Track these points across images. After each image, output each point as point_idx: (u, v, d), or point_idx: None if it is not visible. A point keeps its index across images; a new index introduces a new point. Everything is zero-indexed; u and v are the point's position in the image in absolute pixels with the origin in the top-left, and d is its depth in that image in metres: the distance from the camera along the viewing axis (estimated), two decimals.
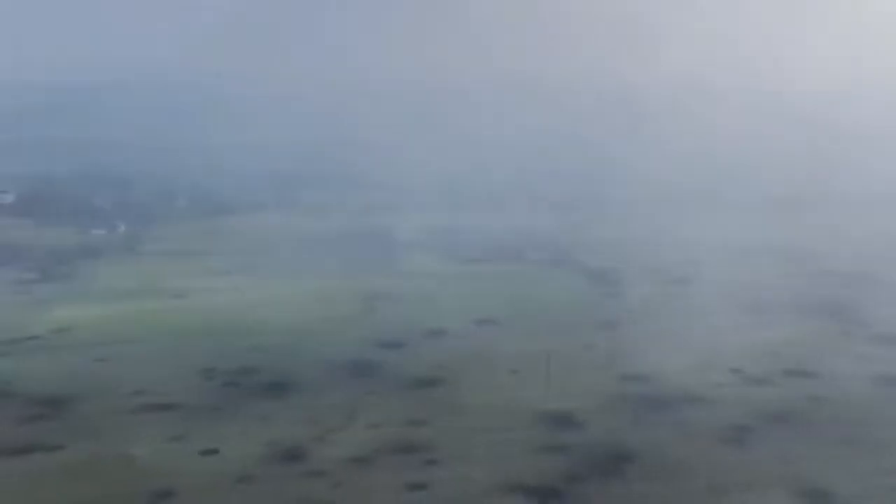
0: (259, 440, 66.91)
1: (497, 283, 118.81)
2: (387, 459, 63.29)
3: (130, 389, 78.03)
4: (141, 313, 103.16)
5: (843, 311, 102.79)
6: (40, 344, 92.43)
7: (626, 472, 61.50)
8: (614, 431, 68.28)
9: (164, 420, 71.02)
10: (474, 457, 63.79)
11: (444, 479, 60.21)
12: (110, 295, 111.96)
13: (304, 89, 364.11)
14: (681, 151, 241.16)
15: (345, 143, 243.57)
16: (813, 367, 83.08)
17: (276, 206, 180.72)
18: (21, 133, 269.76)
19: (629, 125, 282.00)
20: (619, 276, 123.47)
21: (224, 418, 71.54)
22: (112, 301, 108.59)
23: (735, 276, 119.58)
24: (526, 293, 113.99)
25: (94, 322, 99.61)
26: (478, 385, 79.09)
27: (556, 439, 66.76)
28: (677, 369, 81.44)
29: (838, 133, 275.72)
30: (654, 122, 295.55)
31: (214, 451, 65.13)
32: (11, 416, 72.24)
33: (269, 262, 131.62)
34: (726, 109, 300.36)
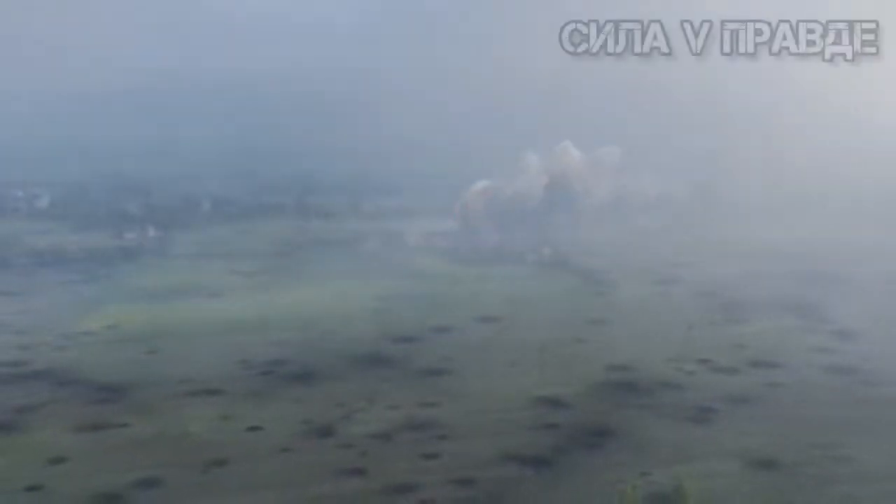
0: (295, 419, 78.42)
1: (498, 284, 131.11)
2: (404, 435, 74.72)
3: (179, 377, 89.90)
4: (180, 311, 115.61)
5: (808, 308, 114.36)
6: (94, 339, 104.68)
7: (606, 445, 72.71)
8: (597, 413, 79.66)
9: (213, 403, 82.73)
10: (478, 433, 75.11)
11: (453, 451, 71.52)
12: (151, 295, 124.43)
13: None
14: None
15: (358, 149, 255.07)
16: (775, 358, 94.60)
17: (295, 210, 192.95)
18: (51, 138, 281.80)
19: None
20: (611, 277, 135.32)
21: (263, 402, 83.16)
22: (153, 300, 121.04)
23: (713, 276, 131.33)
24: (524, 293, 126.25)
25: (139, 319, 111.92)
26: (480, 374, 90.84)
27: (547, 419, 78.10)
28: (655, 360, 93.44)
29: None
30: None
31: (258, 428, 76.74)
32: (80, 400, 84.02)
33: (290, 264, 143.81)
34: None
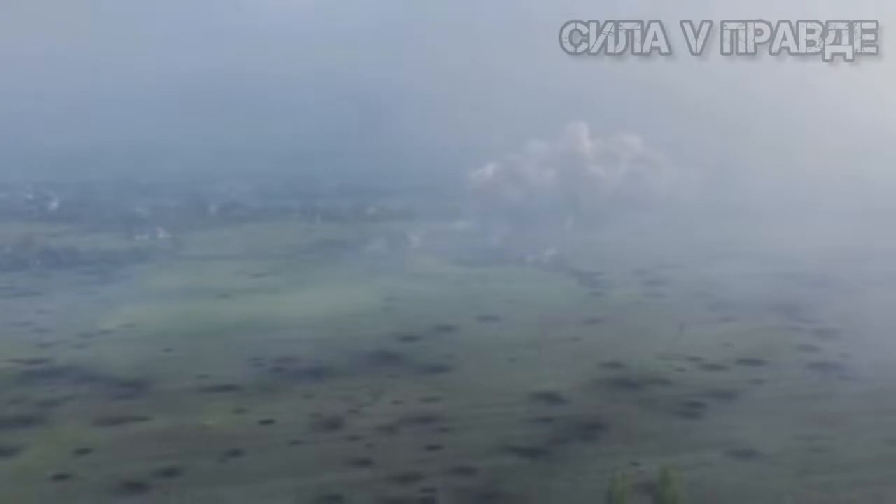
0: (305, 413, 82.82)
1: (498, 284, 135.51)
2: (409, 427, 79.10)
3: (195, 374, 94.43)
4: (194, 311, 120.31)
5: (795, 308, 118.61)
6: (113, 337, 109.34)
7: (599, 437, 76.95)
8: (591, 407, 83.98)
9: (227, 398, 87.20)
10: (478, 426, 79.43)
11: (454, 443, 75.85)
12: (165, 295, 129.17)
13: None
14: None
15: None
16: (761, 356, 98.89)
17: (301, 213, 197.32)
18: (55, 139, 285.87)
19: None
20: (607, 278, 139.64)
21: (275, 396, 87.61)
22: (167, 300, 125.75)
23: (705, 277, 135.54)
24: (523, 293, 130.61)
25: (155, 318, 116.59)
26: (481, 370, 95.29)
27: (543, 412, 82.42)
28: (647, 358, 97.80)
29: None
30: None
31: (270, 422, 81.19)
32: (102, 395, 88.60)
33: (298, 266, 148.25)
34: None
